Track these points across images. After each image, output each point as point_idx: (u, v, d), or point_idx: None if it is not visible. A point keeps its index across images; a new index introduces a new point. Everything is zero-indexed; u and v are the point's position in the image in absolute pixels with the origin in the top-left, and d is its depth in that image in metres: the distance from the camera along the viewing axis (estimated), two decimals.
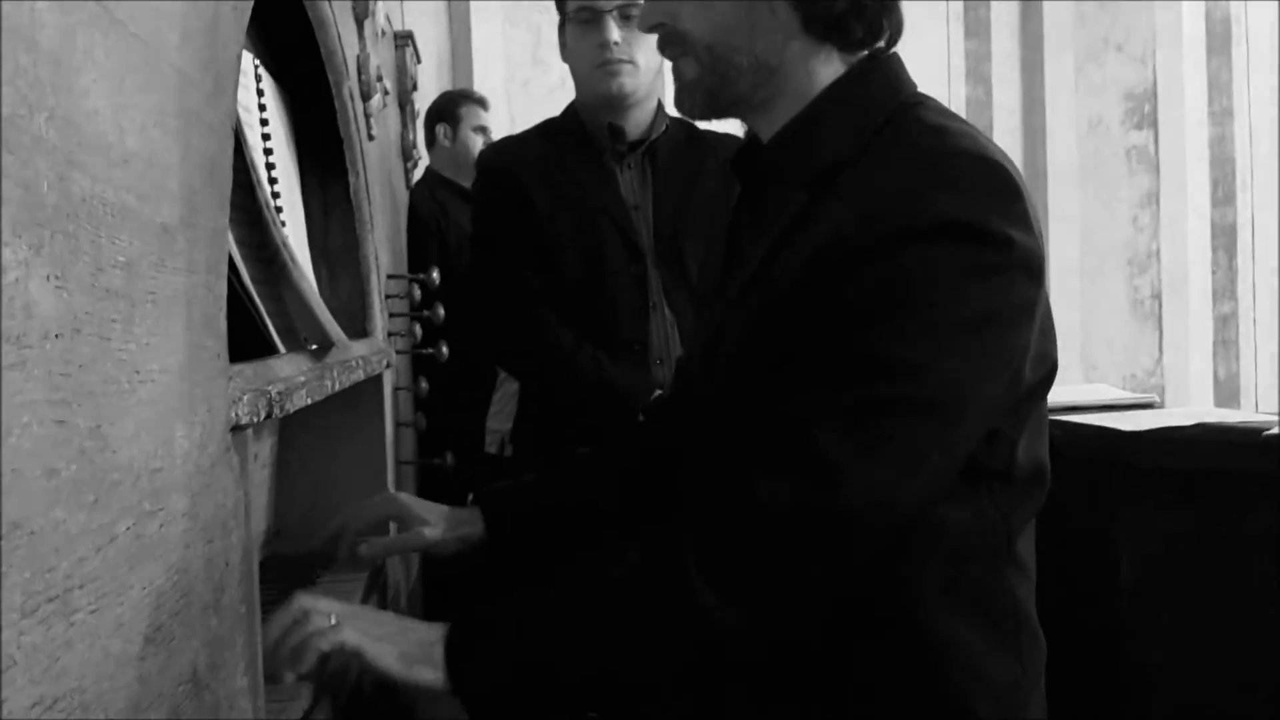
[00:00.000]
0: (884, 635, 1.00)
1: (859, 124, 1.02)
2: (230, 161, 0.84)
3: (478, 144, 3.42)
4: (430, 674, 0.96)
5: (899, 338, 0.92)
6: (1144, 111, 5.45)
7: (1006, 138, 5.39)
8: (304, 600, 0.99)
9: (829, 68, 1.06)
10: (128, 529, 0.60)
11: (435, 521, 1.30)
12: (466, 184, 3.12)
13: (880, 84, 1.05)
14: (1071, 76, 5.46)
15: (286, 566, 1.39)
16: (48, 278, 0.52)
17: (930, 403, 0.92)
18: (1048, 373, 1.04)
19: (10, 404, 0.47)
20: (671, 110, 2.03)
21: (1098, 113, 5.50)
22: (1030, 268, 0.96)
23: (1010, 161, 1.00)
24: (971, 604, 1.01)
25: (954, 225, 0.93)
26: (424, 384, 1.79)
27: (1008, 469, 1.02)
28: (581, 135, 2.10)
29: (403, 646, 0.97)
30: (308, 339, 1.24)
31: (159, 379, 0.66)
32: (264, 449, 1.48)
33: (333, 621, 0.97)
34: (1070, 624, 1.81)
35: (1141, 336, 5.47)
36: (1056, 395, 2.31)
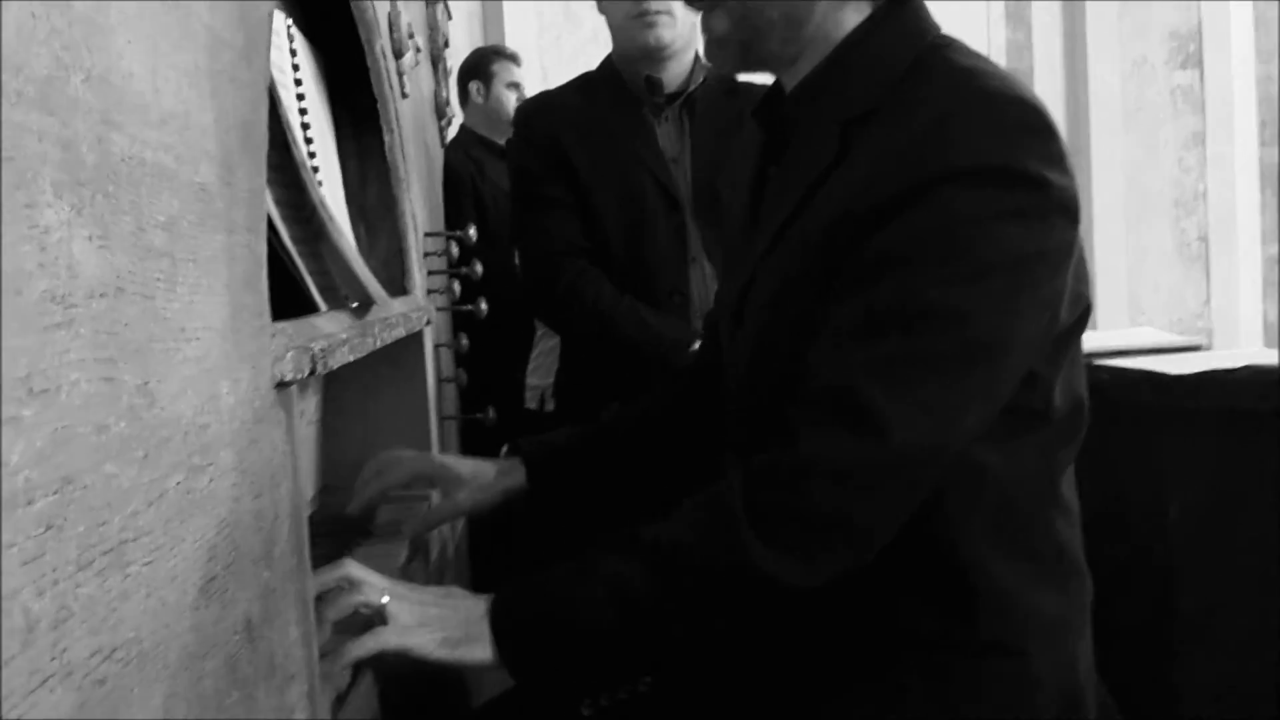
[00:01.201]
0: (929, 578, 1.00)
1: (884, 69, 1.01)
2: (265, 121, 0.84)
3: (511, 100, 3.41)
4: (480, 651, 0.94)
5: (936, 284, 0.91)
6: (1189, 51, 5.33)
7: (1047, 80, 5.29)
8: (350, 569, 0.97)
9: (850, 18, 1.05)
10: (178, 484, 0.61)
11: (472, 477, 1.29)
12: (501, 141, 3.12)
13: (904, 27, 1.04)
14: (1114, 16, 5.34)
15: (335, 522, 1.41)
16: (90, 238, 0.52)
17: (971, 348, 0.92)
18: (1082, 313, 1.04)
19: (59, 362, 0.48)
20: None
21: (1141, 53, 5.38)
22: (1068, 209, 0.95)
23: (1041, 102, 0.98)
24: (1016, 544, 1.01)
25: (988, 169, 0.92)
26: (464, 340, 1.80)
27: (1046, 410, 1.02)
28: (618, 88, 2.09)
29: (447, 630, 0.95)
30: (348, 297, 1.25)
31: (203, 337, 0.67)
32: (309, 406, 1.50)
33: (385, 600, 0.95)
34: (1120, 568, 1.80)
35: (1189, 279, 5.38)
36: (1103, 339, 2.29)
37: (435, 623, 0.95)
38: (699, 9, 1.10)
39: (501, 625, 0.95)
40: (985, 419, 0.95)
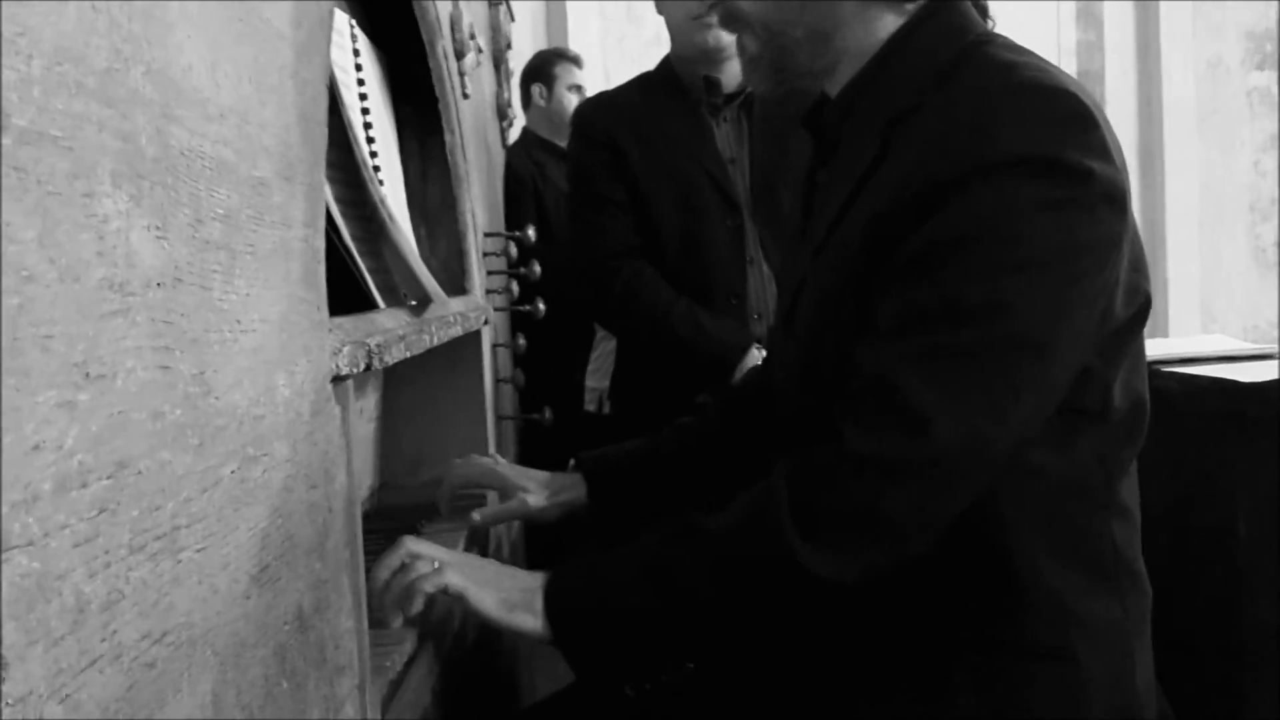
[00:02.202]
0: (980, 580, 0.98)
1: (924, 68, 1.00)
2: (325, 117, 0.85)
3: (573, 103, 3.42)
4: (530, 621, 0.98)
5: (975, 279, 0.91)
6: (1265, 51, 5.20)
7: (1119, 81, 5.20)
8: (410, 544, 1.02)
9: (886, 22, 1.05)
10: (232, 472, 0.62)
11: (536, 489, 1.32)
12: (563, 143, 3.13)
13: (943, 27, 1.03)
14: (1188, 16, 5.23)
15: (391, 518, 1.43)
16: (148, 228, 0.53)
17: (1015, 342, 0.90)
18: (1141, 307, 1.01)
19: (116, 349, 0.49)
20: None
21: (1216, 53, 5.26)
22: (1113, 198, 0.93)
23: (1086, 92, 0.97)
24: (1070, 548, 0.99)
25: (1025, 159, 0.90)
26: (521, 340, 1.81)
27: (1104, 409, 1.00)
28: (677, 88, 2.08)
29: (504, 592, 0.99)
30: (407, 295, 1.26)
31: (259, 329, 0.68)
32: (369, 404, 1.51)
33: (437, 566, 1.00)
34: (1187, 577, 1.76)
35: (1263, 286, 5.25)
36: (1171, 347, 2.24)
37: (494, 583, 1.00)
38: (731, 32, 1.12)
39: (553, 600, 0.98)
40: (1035, 416, 0.94)
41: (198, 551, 0.56)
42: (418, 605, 0.98)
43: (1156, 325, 4.92)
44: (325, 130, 0.85)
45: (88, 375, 0.46)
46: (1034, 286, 0.90)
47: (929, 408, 0.90)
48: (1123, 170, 0.95)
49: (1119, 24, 5.26)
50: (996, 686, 0.98)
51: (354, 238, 1.17)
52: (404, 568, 0.99)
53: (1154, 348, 2.32)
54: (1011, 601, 0.98)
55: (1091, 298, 0.93)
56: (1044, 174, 0.90)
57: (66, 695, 0.43)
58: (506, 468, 1.38)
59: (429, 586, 0.98)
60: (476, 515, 1.33)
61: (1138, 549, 1.05)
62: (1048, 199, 0.90)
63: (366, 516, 1.47)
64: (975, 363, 0.91)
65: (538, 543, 2.23)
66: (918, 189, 0.93)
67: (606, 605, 0.97)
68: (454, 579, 0.98)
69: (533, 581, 1.00)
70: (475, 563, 1.04)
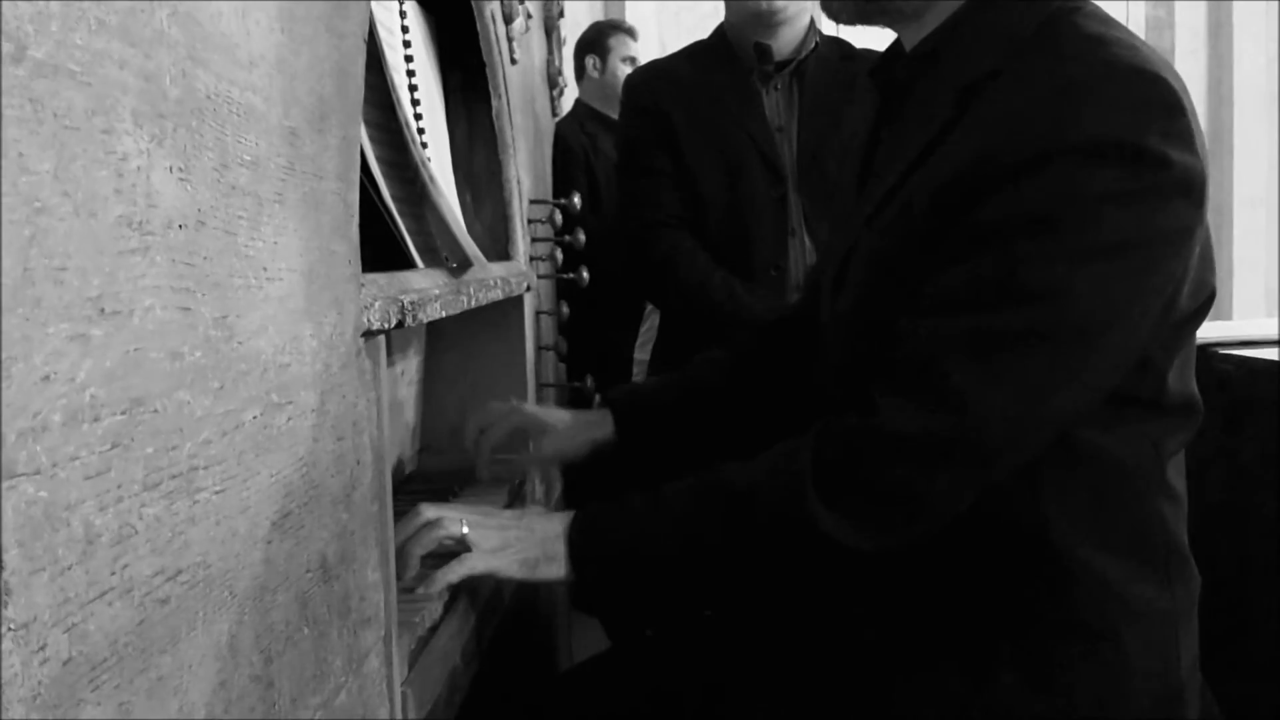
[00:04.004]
0: (1023, 560, 0.97)
1: (1008, 31, 0.96)
2: (361, 71, 0.85)
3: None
4: (555, 569, 0.99)
5: (1040, 262, 0.88)
6: None
7: (1189, 60, 5.06)
8: (426, 511, 1.01)
9: None
10: (255, 418, 0.62)
11: (562, 426, 1.32)
12: (615, 115, 3.12)
13: None
14: None
15: (431, 480, 1.44)
16: (170, 169, 0.53)
17: (1068, 329, 0.88)
18: (1204, 301, 0.99)
19: (134, 287, 0.49)
20: (824, 26, 1.98)
21: None
22: (1191, 189, 0.89)
23: (1175, 75, 0.93)
24: (1118, 531, 0.97)
25: (1106, 144, 0.87)
26: (565, 309, 1.81)
27: (1159, 398, 0.97)
28: (728, 56, 2.06)
29: (526, 552, 1.00)
30: (448, 258, 1.26)
31: (286, 278, 0.68)
32: (410, 366, 1.52)
33: (465, 530, 1.00)
34: (1241, 564, 1.72)
35: None
36: (1229, 329, 2.18)
37: (515, 544, 1.01)
38: None
39: (576, 545, 0.99)
40: (1083, 402, 0.91)
41: (216, 493, 0.57)
42: (439, 588, 0.97)
43: (1221, 309, 4.80)
44: (361, 84, 0.85)
45: (103, 310, 0.47)
46: (1098, 276, 0.88)
47: (970, 390, 0.88)
48: (1204, 159, 0.91)
49: (1191, 1, 5.13)
50: (1039, 666, 0.97)
51: (395, 198, 1.17)
52: (429, 525, 0.99)
53: (1214, 330, 2.27)
54: (1057, 582, 0.96)
55: (1157, 289, 0.91)
56: (1123, 161, 0.87)
57: (73, 624, 0.43)
58: (530, 407, 1.38)
59: (454, 577, 0.98)
60: (502, 469, 1.34)
61: (1184, 532, 1.03)
62: (1124, 187, 0.87)
63: (408, 478, 1.48)
64: (1026, 347, 0.89)
65: (578, 495, 2.23)
66: (991, 162, 0.90)
67: (629, 552, 0.99)
68: (478, 565, 0.99)
69: (554, 527, 1.01)
70: (491, 524, 1.03)
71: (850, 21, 1.10)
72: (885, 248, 1.00)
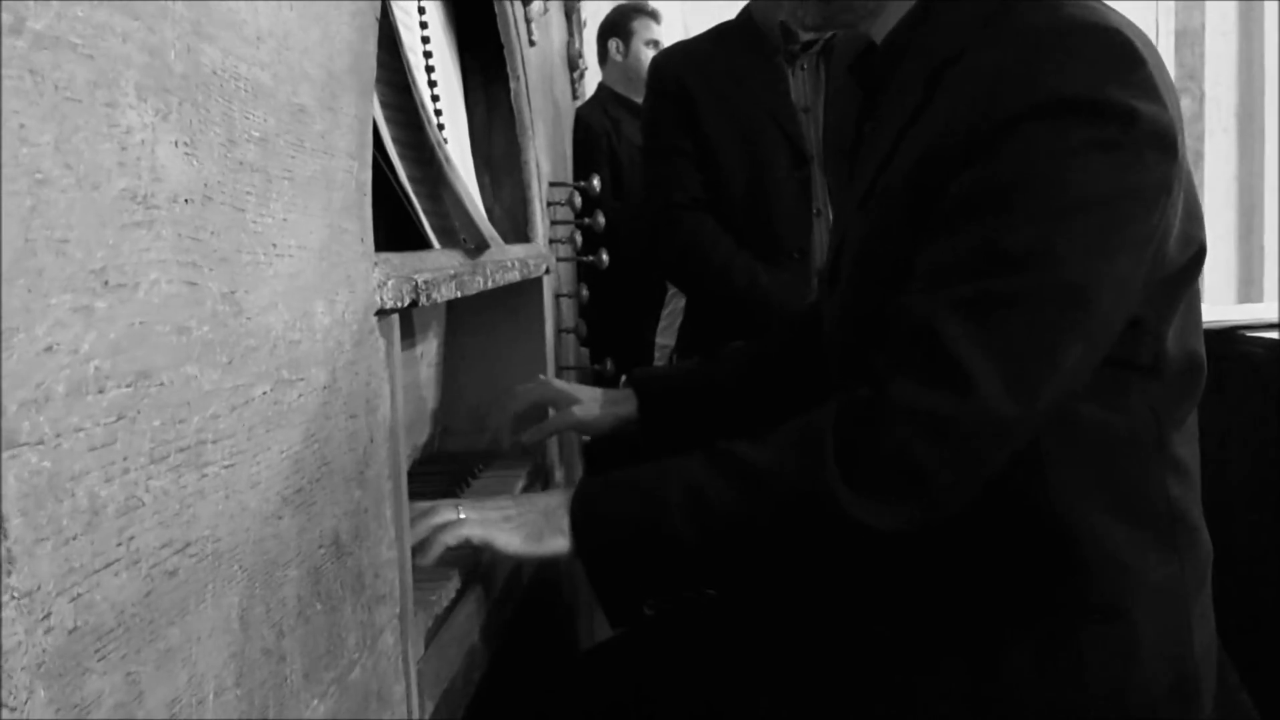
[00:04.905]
0: (1027, 537, 0.96)
1: (974, 9, 0.97)
2: (374, 49, 0.85)
3: (650, 58, 3.39)
4: (559, 541, 0.97)
5: (1015, 227, 0.88)
6: None
7: (1220, 40, 4.98)
8: (420, 504, 1.00)
9: None
10: (264, 393, 0.62)
11: (588, 400, 1.32)
12: (638, 99, 3.11)
13: None
14: None
15: (451, 461, 1.44)
16: (175, 144, 0.53)
17: (1056, 291, 0.88)
18: (1194, 256, 0.98)
19: (139, 260, 0.49)
20: None
21: None
22: (1161, 140, 0.89)
23: (1136, 30, 0.92)
24: (1120, 504, 0.96)
25: (1064, 101, 0.88)
26: (585, 291, 1.80)
27: (1156, 363, 0.96)
28: (754, 36, 2.06)
29: (528, 526, 0.98)
30: (465, 239, 1.26)
31: (296, 255, 0.68)
32: (430, 348, 1.52)
33: (460, 514, 0.98)
34: (1270, 544, 1.70)
35: None
36: (1262, 312, 2.15)
37: (516, 520, 0.98)
38: None
39: (579, 516, 0.97)
40: (1082, 365, 0.90)
41: (225, 468, 0.57)
42: (434, 555, 0.95)
43: (1253, 292, 4.75)
44: (373, 62, 0.85)
45: (106, 283, 0.47)
46: (1079, 233, 0.87)
47: (974, 361, 0.88)
48: (1173, 111, 0.91)
49: None
50: (1048, 646, 0.96)
51: (411, 179, 1.17)
52: (422, 514, 0.97)
53: (1245, 312, 2.24)
54: (1061, 559, 0.96)
55: (1139, 244, 0.90)
56: (1086, 115, 0.87)
57: (78, 594, 0.44)
58: (556, 382, 1.38)
59: (451, 540, 0.96)
60: (524, 435, 1.33)
61: (1196, 505, 1.01)
62: (1091, 141, 0.87)
63: (428, 459, 1.48)
64: (1020, 312, 0.88)
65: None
66: (962, 134, 0.90)
67: (635, 525, 0.96)
68: (475, 531, 0.97)
69: (555, 500, 0.99)
70: (493, 503, 1.02)
71: (815, 27, 1.11)
72: (870, 236, 1.01)
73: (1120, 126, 0.87)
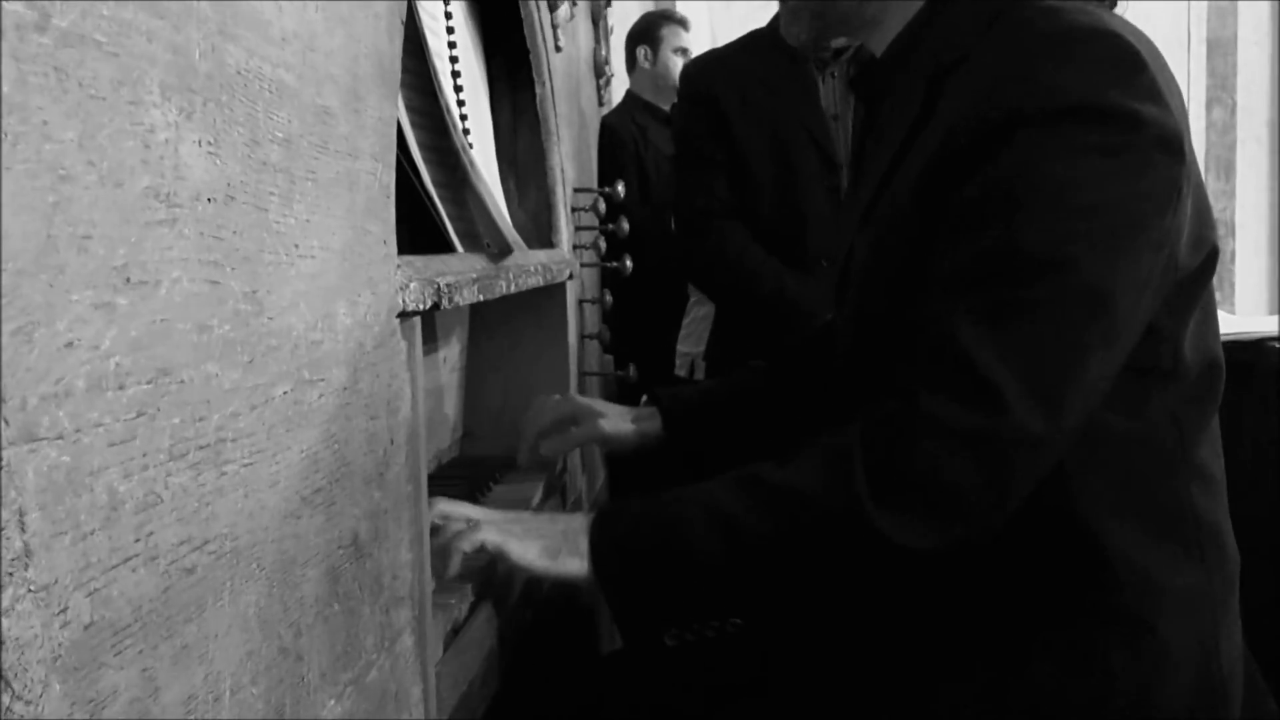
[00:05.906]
0: (1049, 547, 0.95)
1: (970, 19, 0.96)
2: (398, 52, 0.85)
3: (678, 66, 3.38)
4: (577, 564, 0.94)
5: (1032, 232, 0.87)
6: None
7: (1252, 49, 4.94)
8: (442, 504, 1.00)
9: None
10: (285, 393, 0.62)
11: (613, 416, 1.31)
12: (666, 107, 3.11)
13: None
14: None
15: (472, 466, 1.44)
16: (199, 143, 0.54)
17: (1075, 296, 0.87)
18: (1206, 258, 0.97)
19: (160, 258, 0.50)
20: None
21: None
22: (1167, 143, 0.88)
23: (1139, 35, 0.92)
24: (1144, 510, 0.95)
25: (1067, 106, 0.87)
26: (609, 298, 1.80)
27: (1174, 367, 0.96)
28: (784, 45, 2.05)
29: (546, 540, 0.96)
30: (489, 243, 1.26)
31: (319, 255, 0.68)
32: (453, 353, 1.53)
33: (471, 525, 0.97)
34: None
35: None
36: None
37: (534, 533, 0.96)
38: None
39: (599, 540, 0.94)
40: (1105, 371, 0.89)
41: (244, 466, 0.57)
42: (454, 566, 0.95)
43: None
44: (398, 65, 0.85)
45: (128, 280, 0.47)
46: (1090, 238, 0.86)
47: (1000, 373, 0.86)
48: (1178, 114, 0.90)
49: None
50: (1074, 656, 0.94)
51: (436, 183, 1.17)
52: (436, 530, 0.96)
53: (1273, 322, 2.21)
54: (1086, 569, 0.94)
55: (1152, 248, 0.89)
56: (1089, 121, 0.86)
57: (95, 589, 0.44)
58: (583, 398, 1.38)
59: (466, 546, 0.95)
60: (544, 447, 1.33)
61: (1222, 512, 1.00)
62: (1095, 146, 0.86)
63: (449, 465, 1.48)
64: (1041, 321, 0.87)
65: (621, 490, 2.22)
66: (966, 140, 0.90)
67: (658, 549, 0.93)
68: (490, 536, 0.95)
69: (576, 523, 0.97)
70: (510, 517, 1.01)
71: (810, 40, 1.10)
72: (877, 248, 1.00)
73: (1125, 131, 0.87)
